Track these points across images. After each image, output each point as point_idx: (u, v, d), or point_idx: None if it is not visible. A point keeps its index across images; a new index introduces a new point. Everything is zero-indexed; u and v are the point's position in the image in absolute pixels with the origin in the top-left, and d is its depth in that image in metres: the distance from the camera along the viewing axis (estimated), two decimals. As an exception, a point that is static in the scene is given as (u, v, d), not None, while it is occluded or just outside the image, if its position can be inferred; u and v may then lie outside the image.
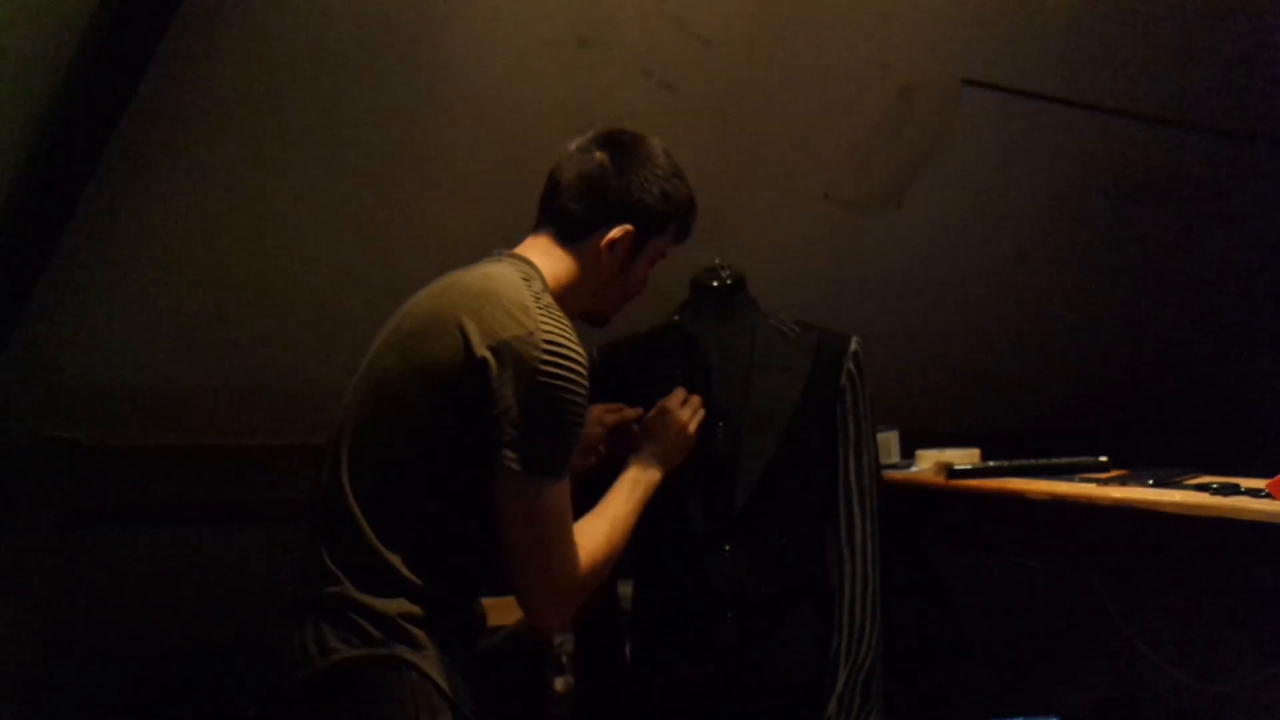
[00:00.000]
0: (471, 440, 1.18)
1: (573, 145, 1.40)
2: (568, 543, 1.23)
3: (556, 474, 1.20)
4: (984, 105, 2.33)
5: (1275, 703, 2.36)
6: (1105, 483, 1.54)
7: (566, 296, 1.33)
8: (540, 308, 1.22)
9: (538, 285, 1.27)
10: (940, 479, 1.76)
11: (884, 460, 1.92)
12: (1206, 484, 1.40)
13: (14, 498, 1.95)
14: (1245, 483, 1.37)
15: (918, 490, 1.85)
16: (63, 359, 1.95)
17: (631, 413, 1.56)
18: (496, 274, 1.27)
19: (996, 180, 2.51)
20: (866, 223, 2.46)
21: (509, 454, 1.16)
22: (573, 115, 2.01)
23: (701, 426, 1.58)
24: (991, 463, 1.75)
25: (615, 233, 1.35)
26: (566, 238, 1.36)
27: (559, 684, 2.21)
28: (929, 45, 2.19)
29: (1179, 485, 1.46)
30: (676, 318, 1.73)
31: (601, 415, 1.54)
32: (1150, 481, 1.48)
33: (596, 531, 1.31)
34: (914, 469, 1.96)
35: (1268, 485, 1.29)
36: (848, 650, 1.59)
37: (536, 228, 1.40)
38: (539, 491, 1.19)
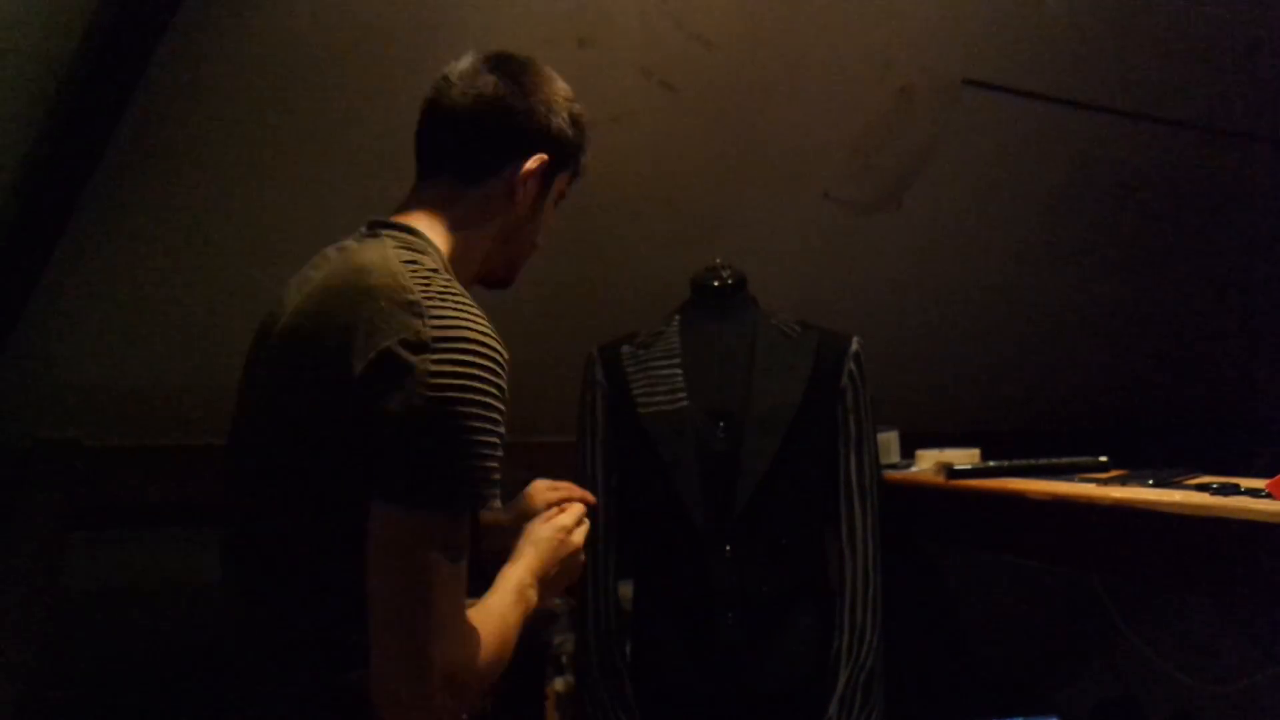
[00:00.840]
0: (351, 473, 0.94)
1: (451, 73, 1.17)
2: (452, 608, 0.92)
3: (446, 507, 0.92)
4: (984, 105, 2.33)
5: (1275, 703, 2.36)
6: (1105, 483, 1.54)
7: (472, 253, 1.14)
8: (430, 295, 0.97)
9: (429, 263, 1.03)
10: (940, 479, 1.76)
11: (884, 460, 1.93)
12: (1206, 484, 1.40)
13: (14, 498, 1.95)
14: (1245, 483, 1.38)
15: (918, 490, 1.85)
16: (62, 360, 1.95)
17: (579, 493, 1.32)
18: (371, 263, 1.01)
19: (996, 180, 2.51)
20: (867, 223, 2.46)
21: (383, 483, 0.91)
22: (573, 115, 2.02)
23: (702, 426, 1.58)
24: (991, 463, 1.76)
25: (530, 164, 1.14)
26: (469, 179, 1.14)
27: (559, 684, 2.21)
28: (929, 45, 2.19)
29: (1179, 485, 1.46)
30: (677, 317, 1.73)
31: (544, 492, 1.30)
32: (1150, 481, 1.49)
33: (488, 620, 1.00)
34: (914, 469, 1.96)
35: (1268, 485, 1.29)
36: (849, 650, 1.59)
37: (424, 176, 1.17)
38: (418, 530, 0.91)
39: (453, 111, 1.15)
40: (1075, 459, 1.70)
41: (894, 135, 2.31)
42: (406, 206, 1.16)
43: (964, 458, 1.85)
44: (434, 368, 0.92)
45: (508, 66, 1.16)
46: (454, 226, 1.13)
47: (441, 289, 0.99)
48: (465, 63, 1.17)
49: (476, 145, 1.14)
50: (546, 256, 2.19)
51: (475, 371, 0.94)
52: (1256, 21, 2.40)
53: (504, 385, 0.97)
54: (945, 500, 1.78)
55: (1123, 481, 1.53)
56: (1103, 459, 1.69)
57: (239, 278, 2.00)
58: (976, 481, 1.71)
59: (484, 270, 1.19)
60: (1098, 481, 1.56)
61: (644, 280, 2.19)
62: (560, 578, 1.18)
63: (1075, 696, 2.90)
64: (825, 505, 1.67)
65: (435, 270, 1.03)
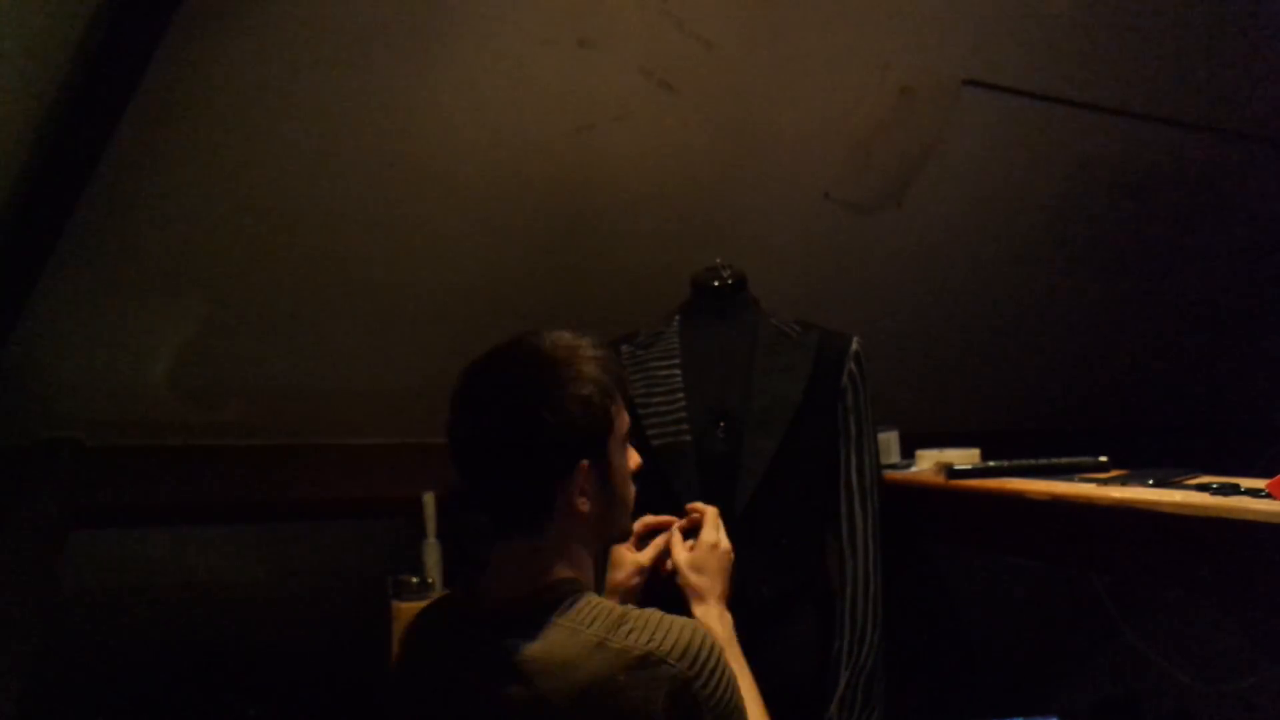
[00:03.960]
0: None
1: (471, 424, 1.10)
2: None
3: None
4: (984, 105, 2.33)
5: (1275, 703, 2.36)
6: (1105, 483, 1.54)
7: (589, 556, 1.16)
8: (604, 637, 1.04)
9: (585, 614, 1.07)
10: (940, 479, 1.76)
11: (884, 460, 1.92)
12: (1206, 484, 1.40)
13: (14, 498, 1.95)
14: (1245, 483, 1.37)
15: (918, 490, 1.85)
16: (63, 360, 1.95)
17: (665, 525, 1.42)
18: (576, 657, 1.04)
19: (996, 180, 2.51)
20: (867, 222, 2.46)
21: None
22: (573, 115, 2.02)
23: (702, 426, 1.58)
24: (991, 463, 1.75)
25: (577, 484, 1.11)
26: (537, 529, 1.11)
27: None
28: (929, 45, 2.19)
29: (1179, 485, 1.46)
30: (677, 318, 1.73)
31: (638, 562, 1.38)
32: (1150, 481, 1.48)
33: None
34: (914, 469, 1.96)
35: (1268, 485, 1.29)
36: (849, 651, 1.59)
37: (501, 535, 1.14)
38: None
39: (489, 480, 1.11)
40: (1075, 459, 1.70)
41: (894, 135, 2.31)
42: (515, 569, 1.12)
43: (964, 458, 1.85)
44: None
45: (485, 399, 1.10)
46: (559, 558, 1.12)
47: (607, 628, 1.05)
48: (479, 411, 1.10)
49: (521, 512, 1.11)
50: (547, 256, 2.21)
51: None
52: (1257, 21, 2.40)
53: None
54: (945, 500, 1.78)
55: (1123, 481, 1.53)
56: (1103, 459, 1.69)
57: (240, 278, 2.00)
58: (976, 481, 1.71)
59: (603, 542, 1.22)
60: (1098, 481, 1.56)
61: (644, 280, 2.19)
62: (730, 578, 1.36)
63: (1075, 696, 2.90)
64: (825, 505, 1.67)
65: (591, 606, 1.08)
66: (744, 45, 2.04)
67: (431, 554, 2.19)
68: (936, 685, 2.60)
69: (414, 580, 2.12)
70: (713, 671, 1.05)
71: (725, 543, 1.38)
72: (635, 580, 1.37)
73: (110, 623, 2.29)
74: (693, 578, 1.34)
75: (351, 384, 2.21)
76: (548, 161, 2.06)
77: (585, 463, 1.10)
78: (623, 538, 1.28)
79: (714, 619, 1.31)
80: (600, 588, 1.35)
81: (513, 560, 1.12)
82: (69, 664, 2.20)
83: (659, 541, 1.40)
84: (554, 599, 1.08)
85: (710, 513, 1.40)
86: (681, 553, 1.37)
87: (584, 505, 1.11)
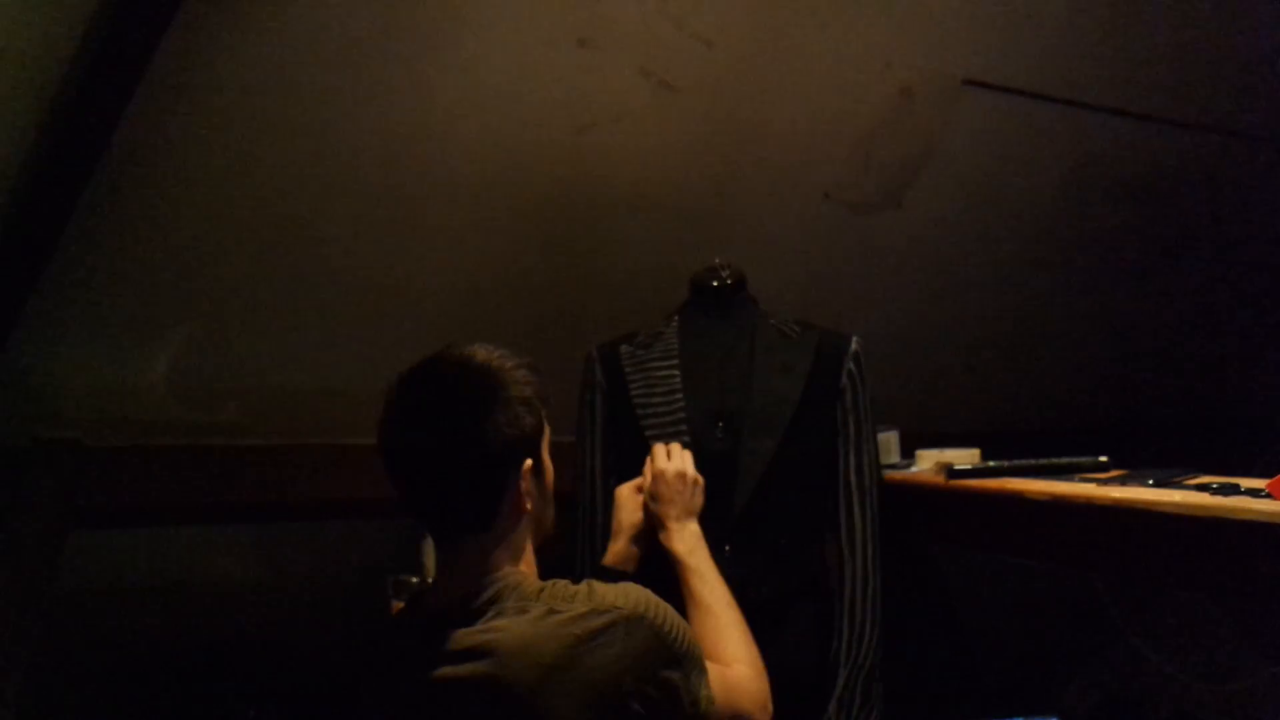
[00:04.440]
0: None
1: (410, 436, 1.13)
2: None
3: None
4: (984, 105, 2.33)
5: (1275, 703, 2.36)
6: (1105, 483, 1.54)
7: (530, 549, 1.21)
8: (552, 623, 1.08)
9: (544, 596, 1.12)
10: (940, 479, 1.76)
11: (884, 460, 1.92)
12: (1206, 484, 1.40)
13: (14, 498, 1.95)
14: (1245, 483, 1.37)
15: (918, 490, 1.85)
16: (62, 360, 1.95)
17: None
18: (535, 636, 1.08)
19: (996, 180, 2.51)
20: (867, 222, 2.46)
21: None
22: (573, 115, 2.02)
23: (701, 427, 1.58)
24: (991, 463, 1.75)
25: (523, 482, 1.16)
26: (484, 526, 1.15)
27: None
28: (929, 45, 2.19)
29: (1179, 485, 1.46)
30: (676, 318, 1.73)
31: (634, 495, 1.51)
32: (1150, 481, 1.48)
33: (727, 636, 1.31)
34: (914, 469, 1.96)
35: (1268, 485, 1.29)
36: (848, 651, 1.59)
37: (446, 539, 1.19)
38: None
39: (433, 486, 1.15)
40: (1075, 459, 1.70)
41: (894, 135, 2.31)
42: (464, 569, 1.16)
43: (964, 458, 1.85)
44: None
45: (428, 413, 1.13)
46: (505, 553, 1.17)
47: (547, 607, 1.10)
48: (415, 421, 1.13)
49: (472, 511, 1.15)
50: (547, 256, 2.21)
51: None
52: (1257, 22, 2.40)
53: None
54: (945, 500, 1.78)
55: (1123, 481, 1.53)
56: (1103, 459, 1.69)
57: (242, 278, 2.00)
58: (976, 481, 1.71)
59: (539, 538, 1.25)
60: (1098, 481, 1.56)
61: (643, 280, 2.19)
62: (695, 497, 1.47)
63: (1075, 696, 2.90)
64: (825, 505, 1.67)
65: (532, 591, 1.13)
66: (744, 45, 2.04)
67: (431, 554, 2.18)
68: (936, 685, 2.60)
69: (414, 580, 2.11)
70: (662, 612, 1.13)
71: (675, 467, 1.47)
72: (641, 515, 1.49)
73: (110, 623, 2.29)
74: (652, 506, 1.48)
75: (351, 384, 2.20)
76: (548, 161, 2.06)
77: (529, 462, 1.17)
78: (550, 534, 1.31)
79: (674, 540, 1.43)
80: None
81: (461, 561, 1.16)
82: (69, 664, 2.20)
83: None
84: (503, 589, 1.13)
85: (658, 447, 1.52)
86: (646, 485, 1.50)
87: (528, 503, 1.17)
